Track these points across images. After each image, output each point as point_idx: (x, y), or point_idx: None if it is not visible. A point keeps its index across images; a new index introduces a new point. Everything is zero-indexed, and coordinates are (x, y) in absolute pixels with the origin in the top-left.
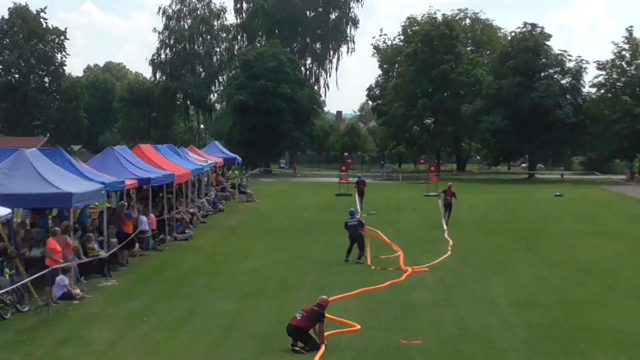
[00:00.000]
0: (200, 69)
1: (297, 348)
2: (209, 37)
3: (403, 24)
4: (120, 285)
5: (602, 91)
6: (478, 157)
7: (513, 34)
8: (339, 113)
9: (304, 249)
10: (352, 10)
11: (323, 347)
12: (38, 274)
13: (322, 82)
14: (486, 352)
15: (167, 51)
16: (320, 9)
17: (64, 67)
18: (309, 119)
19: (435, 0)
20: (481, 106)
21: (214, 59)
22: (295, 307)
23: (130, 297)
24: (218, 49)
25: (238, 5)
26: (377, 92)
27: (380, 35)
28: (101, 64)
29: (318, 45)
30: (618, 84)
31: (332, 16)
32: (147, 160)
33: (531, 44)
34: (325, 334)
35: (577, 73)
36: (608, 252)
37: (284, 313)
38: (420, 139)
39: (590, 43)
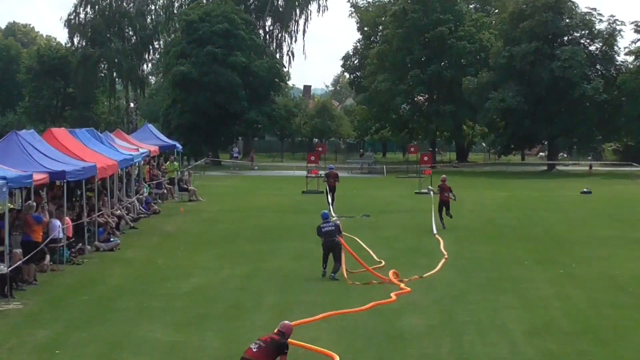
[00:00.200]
0: (130, 33)
1: None
2: None
3: None
4: (26, 309)
5: None
6: (484, 144)
7: None
8: (307, 88)
9: (262, 262)
10: None
11: None
12: None
13: (285, 49)
14: None
15: (88, 9)
16: None
17: None
18: (269, 96)
19: None
20: (488, 79)
21: (148, 20)
22: (250, 337)
23: (39, 325)
24: (153, 7)
25: None
26: (355, 62)
27: None
28: (2, 26)
29: (281, 2)
30: None
31: None
32: (61, 148)
33: (551, 1)
34: None
35: (609, 37)
36: None
37: (235, 344)
38: (410, 121)
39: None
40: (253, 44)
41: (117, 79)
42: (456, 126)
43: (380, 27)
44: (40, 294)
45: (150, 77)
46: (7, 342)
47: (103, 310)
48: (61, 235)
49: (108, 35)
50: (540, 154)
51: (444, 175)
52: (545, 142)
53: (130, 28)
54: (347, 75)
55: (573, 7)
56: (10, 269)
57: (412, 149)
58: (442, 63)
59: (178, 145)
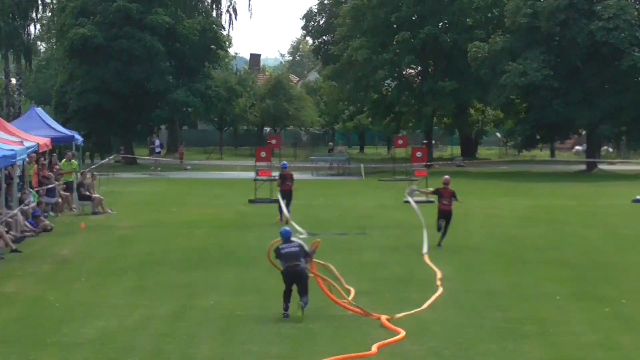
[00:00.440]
0: None
1: None
2: None
3: None
4: None
5: None
6: (498, 135)
7: None
8: (256, 58)
9: (193, 297)
10: None
11: None
12: None
13: (224, 6)
14: None
15: None
16: None
17: None
18: (203, 69)
19: None
20: (503, 46)
21: None
22: None
23: None
24: None
25: None
26: (321, 23)
27: None
28: None
29: None
30: None
31: None
32: None
33: None
34: None
35: None
36: None
37: None
38: (397, 103)
39: None
40: None
41: None
42: (460, 110)
43: None
44: None
45: (39, 43)
46: None
47: None
48: None
49: None
50: (577, 147)
51: (446, 176)
52: (583, 132)
53: None
54: (309, 40)
55: None
56: None
57: (400, 142)
58: (440, 24)
59: (77, 136)
